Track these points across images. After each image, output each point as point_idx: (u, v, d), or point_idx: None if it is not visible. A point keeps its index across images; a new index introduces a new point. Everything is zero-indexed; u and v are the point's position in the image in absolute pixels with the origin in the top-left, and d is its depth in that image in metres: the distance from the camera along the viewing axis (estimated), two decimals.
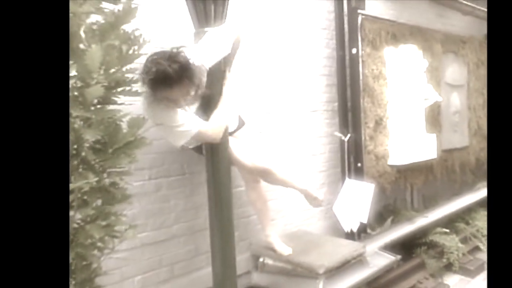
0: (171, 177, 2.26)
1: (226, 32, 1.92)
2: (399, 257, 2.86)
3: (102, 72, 1.14)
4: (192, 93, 1.77)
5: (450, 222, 3.81)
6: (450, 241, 3.53)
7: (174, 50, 1.70)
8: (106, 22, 1.25)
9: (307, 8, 3.05)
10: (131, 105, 1.54)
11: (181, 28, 2.20)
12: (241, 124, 2.32)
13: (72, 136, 1.16)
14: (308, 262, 2.37)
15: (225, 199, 2.05)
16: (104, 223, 1.37)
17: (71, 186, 1.19)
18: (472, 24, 4.77)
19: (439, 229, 3.60)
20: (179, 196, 2.29)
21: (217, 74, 1.95)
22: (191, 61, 1.70)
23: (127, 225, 1.49)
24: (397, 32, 3.49)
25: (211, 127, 1.92)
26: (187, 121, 1.84)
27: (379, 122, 3.35)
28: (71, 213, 1.29)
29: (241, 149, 2.15)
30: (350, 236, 2.97)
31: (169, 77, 1.64)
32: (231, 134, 2.16)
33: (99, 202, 1.43)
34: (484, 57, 4.59)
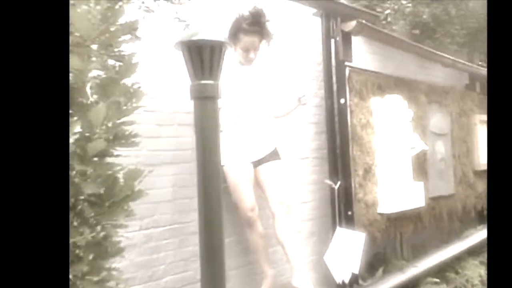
0: (161, 227, 2.23)
1: None
2: None
3: (103, 126, 1.15)
4: None
5: (440, 272, 3.78)
6: None
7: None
8: (108, 77, 1.28)
9: (296, 60, 3.16)
10: (127, 157, 1.54)
11: (178, 80, 2.25)
12: (274, 155, 2.50)
13: (71, 190, 1.15)
14: None
15: (217, 250, 2.01)
16: (96, 278, 1.33)
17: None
18: (453, 76, 4.99)
19: (429, 279, 3.57)
20: (169, 247, 2.24)
21: None
22: None
23: (119, 280, 1.45)
24: (383, 83, 3.62)
25: None
26: None
27: (368, 170, 3.39)
28: None
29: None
30: (342, 287, 2.91)
31: None
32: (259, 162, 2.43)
33: (91, 256, 1.40)
34: (466, 107, 4.76)
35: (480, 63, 5.26)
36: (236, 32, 2.34)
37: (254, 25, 2.31)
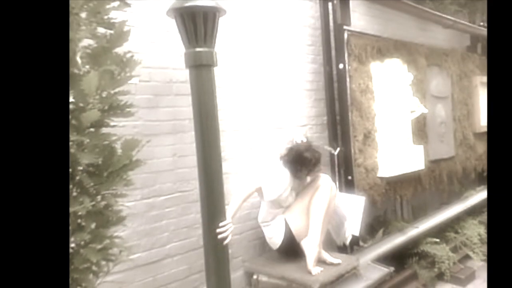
0: (163, 196, 2.25)
1: None
2: (392, 268, 2.87)
3: (97, 96, 1.14)
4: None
5: (440, 232, 3.85)
6: (440, 250, 3.56)
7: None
8: (99, 46, 1.26)
9: (293, 26, 3.10)
10: (124, 127, 1.54)
11: (172, 47, 2.23)
12: None
13: None
14: (303, 277, 2.36)
15: (218, 216, 2.05)
16: (99, 246, 1.36)
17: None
18: (453, 37, 4.90)
19: (429, 239, 3.64)
20: (172, 215, 2.28)
21: None
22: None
23: (122, 247, 1.48)
24: (382, 47, 3.56)
25: None
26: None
27: (367, 135, 3.38)
28: None
29: None
30: (343, 249, 2.97)
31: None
32: None
33: (93, 225, 1.42)
34: (466, 68, 4.70)
35: (481, 23, 5.14)
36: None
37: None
